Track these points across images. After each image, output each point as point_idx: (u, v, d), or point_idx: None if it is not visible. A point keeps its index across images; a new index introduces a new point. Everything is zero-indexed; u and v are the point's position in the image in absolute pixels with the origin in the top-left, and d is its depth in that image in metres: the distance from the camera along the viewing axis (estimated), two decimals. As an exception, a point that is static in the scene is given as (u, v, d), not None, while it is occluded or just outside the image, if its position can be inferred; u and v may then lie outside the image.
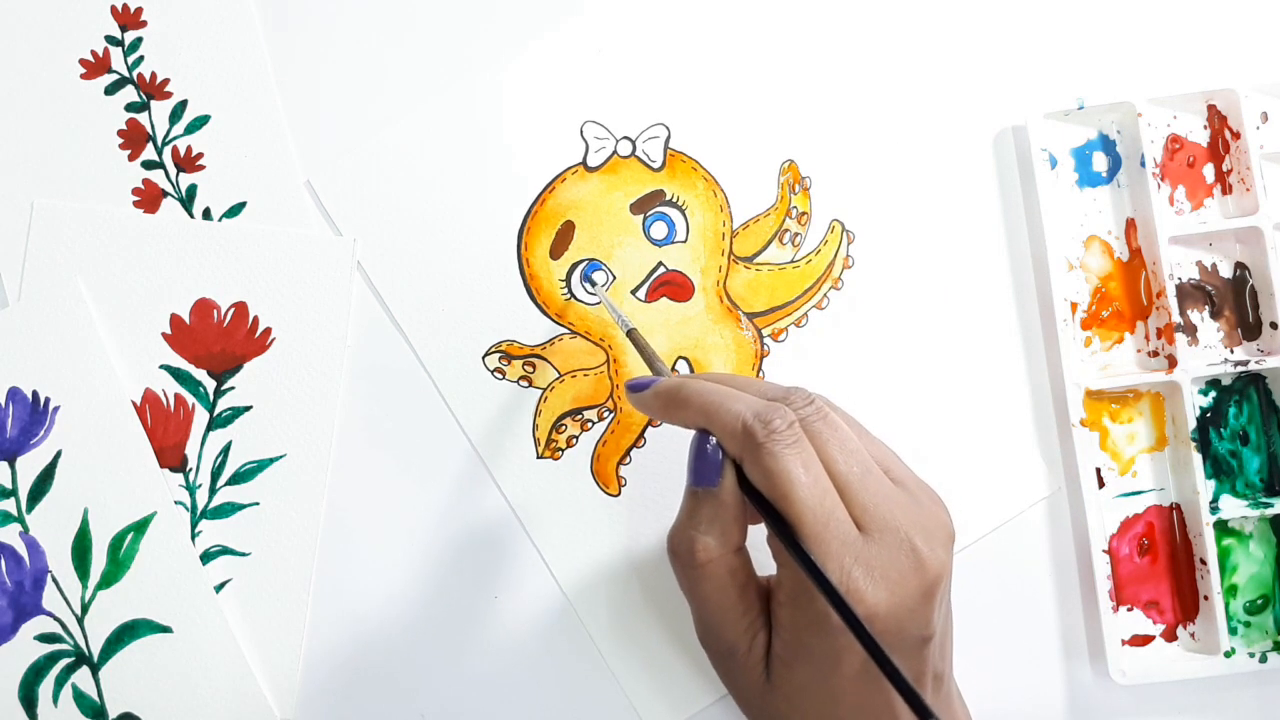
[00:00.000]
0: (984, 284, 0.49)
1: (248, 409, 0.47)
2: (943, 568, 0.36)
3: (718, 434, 0.37)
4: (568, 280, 0.48)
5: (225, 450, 0.47)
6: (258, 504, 0.47)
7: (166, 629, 0.46)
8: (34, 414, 0.46)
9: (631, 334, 0.44)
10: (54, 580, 0.46)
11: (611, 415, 0.47)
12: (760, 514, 0.36)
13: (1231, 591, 0.47)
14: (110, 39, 0.49)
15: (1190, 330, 0.48)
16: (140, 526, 0.46)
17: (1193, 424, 0.47)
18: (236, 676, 0.45)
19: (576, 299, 0.48)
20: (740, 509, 0.38)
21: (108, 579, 0.46)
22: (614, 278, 0.48)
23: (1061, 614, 0.47)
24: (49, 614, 0.45)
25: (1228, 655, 0.45)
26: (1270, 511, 0.46)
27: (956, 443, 0.47)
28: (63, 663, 0.45)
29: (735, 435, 0.36)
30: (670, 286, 0.48)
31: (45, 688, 0.45)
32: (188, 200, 0.48)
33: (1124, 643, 0.47)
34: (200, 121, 0.49)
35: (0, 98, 0.49)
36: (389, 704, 0.46)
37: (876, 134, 0.49)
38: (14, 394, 0.46)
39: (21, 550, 0.46)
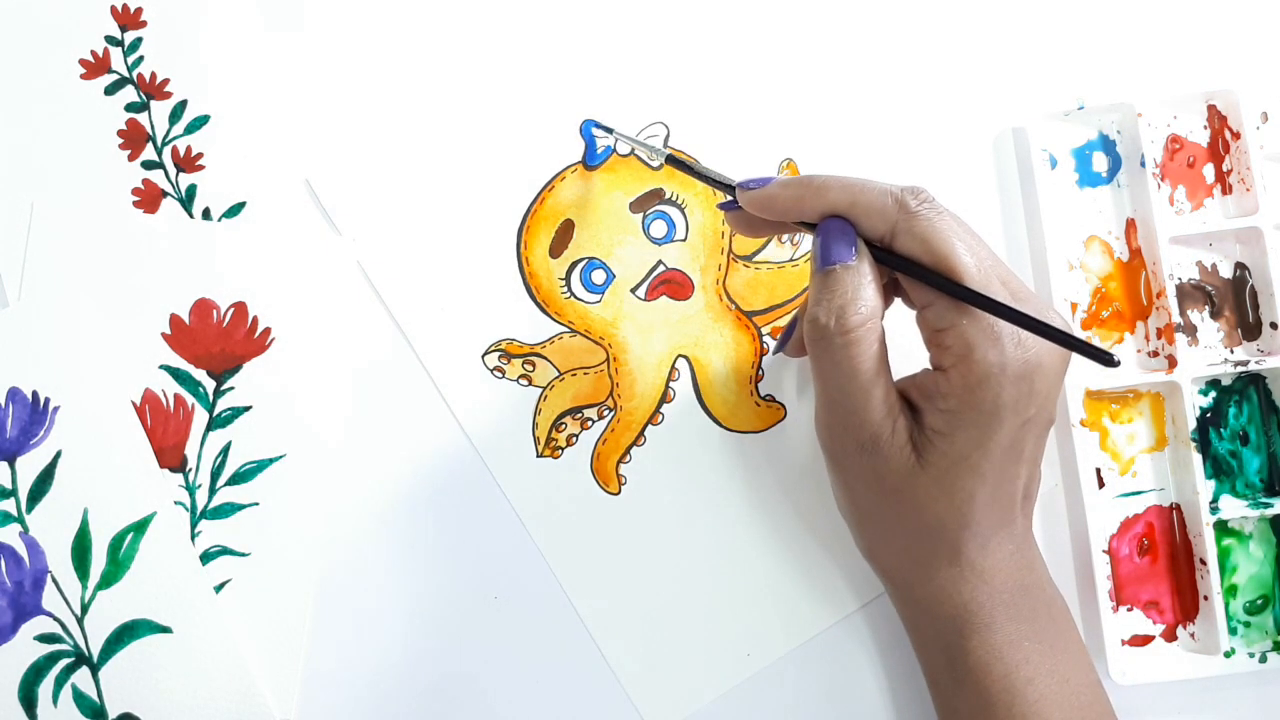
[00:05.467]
0: (984, 284, 0.49)
1: (247, 409, 0.47)
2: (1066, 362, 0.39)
3: (862, 211, 0.38)
4: (567, 279, 0.48)
5: (225, 450, 0.47)
6: (258, 504, 0.47)
7: (166, 629, 0.46)
8: (34, 414, 0.46)
9: (672, 160, 0.45)
10: (54, 580, 0.46)
11: (611, 414, 0.47)
12: (917, 279, 0.38)
13: (1231, 591, 0.47)
14: (110, 39, 0.49)
15: (1190, 330, 0.48)
16: (140, 526, 0.46)
17: (1193, 424, 0.47)
18: (236, 676, 0.45)
19: (576, 297, 0.48)
20: (879, 277, 0.38)
21: (108, 579, 0.46)
22: (614, 277, 0.48)
23: (1062, 614, 0.47)
24: (49, 614, 0.45)
25: (1228, 655, 0.45)
26: (1270, 511, 0.46)
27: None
28: (63, 663, 0.45)
29: (885, 209, 0.37)
30: (670, 285, 0.48)
31: (45, 688, 0.45)
32: (188, 200, 0.48)
33: (1124, 643, 0.47)
34: (200, 121, 0.49)
35: (0, 98, 0.49)
36: (389, 704, 0.46)
37: (876, 134, 0.49)
38: (14, 394, 0.46)
39: (21, 550, 0.46)
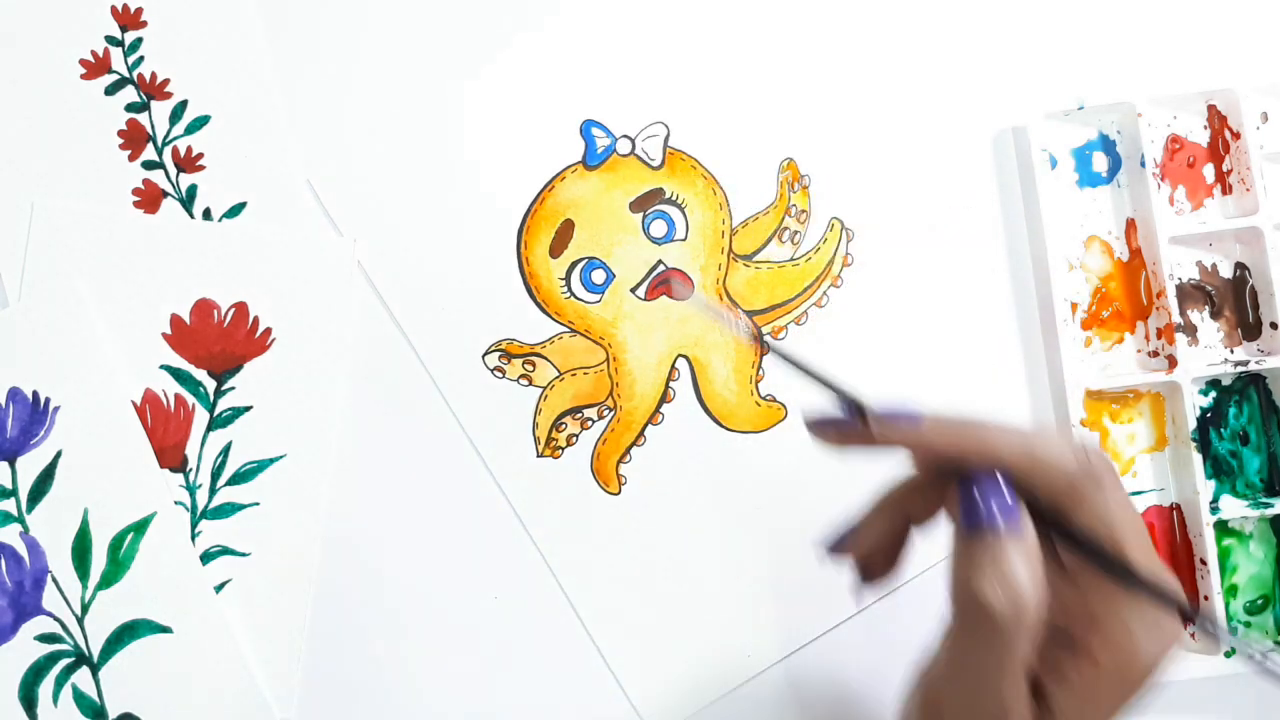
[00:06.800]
0: (984, 284, 0.49)
1: (248, 409, 0.47)
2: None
3: (1042, 471, 0.32)
4: (567, 279, 0.48)
5: (225, 450, 0.47)
6: (258, 504, 0.47)
7: (166, 629, 0.46)
8: (34, 414, 0.46)
9: (765, 342, 0.40)
10: (54, 580, 0.46)
11: (611, 414, 0.47)
12: (1080, 556, 0.33)
13: (1231, 591, 0.47)
14: (110, 39, 0.49)
15: (1190, 330, 0.48)
16: (140, 526, 0.46)
17: (1193, 424, 0.47)
18: (236, 676, 0.45)
19: (576, 297, 0.48)
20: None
21: (108, 579, 0.46)
22: (614, 277, 0.48)
23: (1062, 614, 0.47)
24: (49, 614, 0.45)
25: (1228, 655, 0.45)
26: (1270, 511, 0.46)
27: (956, 442, 0.47)
28: (63, 663, 0.45)
29: (1065, 475, 0.32)
30: (670, 285, 0.48)
31: (45, 688, 0.45)
32: (188, 200, 0.48)
33: (1124, 643, 0.47)
34: (200, 121, 0.49)
35: (0, 98, 0.49)
36: (389, 704, 0.46)
37: (876, 133, 0.49)
38: (14, 394, 0.46)
39: (21, 550, 0.46)
